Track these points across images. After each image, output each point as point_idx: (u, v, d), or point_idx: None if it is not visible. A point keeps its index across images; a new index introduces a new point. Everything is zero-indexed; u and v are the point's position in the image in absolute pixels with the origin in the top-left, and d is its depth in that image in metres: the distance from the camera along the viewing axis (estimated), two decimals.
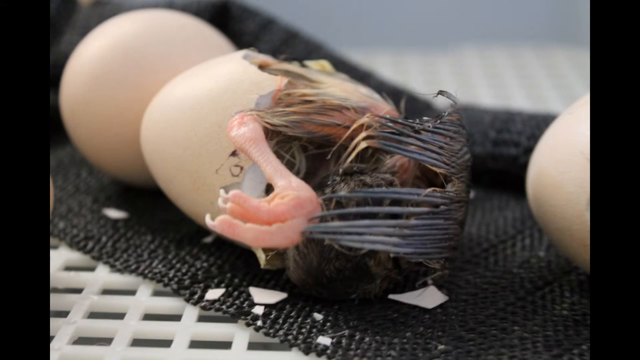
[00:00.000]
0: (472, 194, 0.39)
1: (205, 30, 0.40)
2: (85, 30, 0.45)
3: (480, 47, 0.64)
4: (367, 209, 0.29)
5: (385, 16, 0.80)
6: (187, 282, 0.33)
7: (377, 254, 0.30)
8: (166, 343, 0.30)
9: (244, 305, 0.32)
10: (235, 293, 0.32)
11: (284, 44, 0.46)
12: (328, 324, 0.31)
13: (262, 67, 0.34)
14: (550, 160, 0.32)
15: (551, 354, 0.29)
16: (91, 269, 0.35)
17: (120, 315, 0.32)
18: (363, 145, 0.30)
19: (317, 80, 0.34)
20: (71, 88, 0.39)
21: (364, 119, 0.31)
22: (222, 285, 0.33)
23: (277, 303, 0.32)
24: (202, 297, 0.32)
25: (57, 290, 0.34)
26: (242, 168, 0.32)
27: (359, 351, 0.29)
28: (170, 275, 0.34)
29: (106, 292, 0.33)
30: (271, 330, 0.30)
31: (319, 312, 0.31)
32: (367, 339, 0.30)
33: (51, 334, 0.30)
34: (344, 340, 0.30)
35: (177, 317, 0.32)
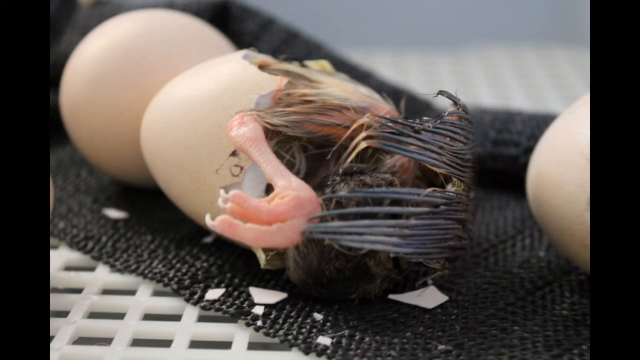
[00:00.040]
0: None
1: (205, 30, 0.40)
2: (85, 30, 0.45)
3: (480, 47, 0.64)
4: (367, 209, 0.29)
5: (385, 16, 0.80)
6: (187, 282, 0.33)
7: (377, 254, 0.30)
8: (166, 343, 0.30)
9: (244, 305, 0.32)
10: (235, 293, 0.32)
11: (284, 44, 0.46)
12: (328, 324, 0.31)
13: (262, 67, 0.34)
14: (550, 160, 0.32)
15: (551, 354, 0.29)
16: (91, 269, 0.35)
17: (120, 315, 0.32)
18: (363, 145, 0.30)
19: (317, 80, 0.34)
20: (71, 88, 0.39)
21: (364, 119, 0.31)
22: (222, 285, 0.33)
23: (277, 303, 0.32)
24: (202, 297, 0.32)
25: (57, 290, 0.34)
26: (242, 168, 0.32)
27: (359, 351, 0.29)
28: (170, 275, 0.34)
29: (106, 292, 0.33)
30: (271, 330, 0.30)
31: (319, 312, 0.31)
32: (367, 339, 0.30)
33: (51, 334, 0.30)
34: (344, 340, 0.30)
35: (177, 317, 0.32)
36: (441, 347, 0.29)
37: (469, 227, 0.30)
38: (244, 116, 0.31)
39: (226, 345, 0.30)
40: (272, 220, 0.29)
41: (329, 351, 0.29)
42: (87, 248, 0.36)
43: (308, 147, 0.33)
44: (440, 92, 0.31)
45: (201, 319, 0.32)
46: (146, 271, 0.34)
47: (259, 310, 0.31)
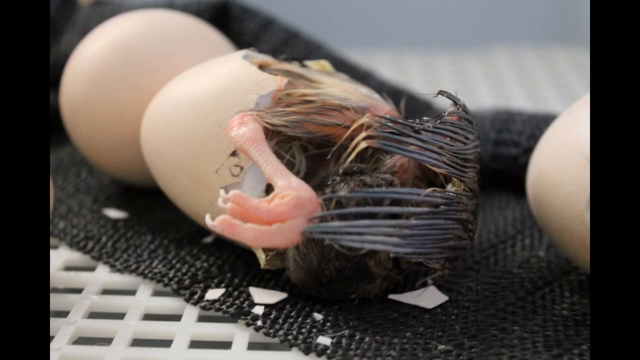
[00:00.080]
0: None
1: (205, 30, 0.40)
2: (85, 30, 0.45)
3: (480, 47, 0.64)
4: (367, 209, 0.29)
5: (385, 16, 0.81)
6: (187, 282, 0.33)
7: (377, 254, 0.30)
8: (166, 343, 0.30)
9: (244, 305, 0.32)
10: (235, 293, 0.32)
11: (284, 44, 0.46)
12: (328, 324, 0.31)
13: (262, 67, 0.34)
14: (550, 160, 0.32)
15: (551, 354, 0.29)
16: (91, 269, 0.35)
17: (120, 315, 0.32)
18: (363, 145, 0.30)
19: (317, 80, 0.34)
20: (71, 88, 0.39)
21: (364, 119, 0.31)
22: (222, 285, 0.33)
23: (277, 303, 0.32)
24: (202, 297, 0.32)
25: (57, 290, 0.34)
26: (242, 168, 0.32)
27: (359, 351, 0.29)
28: (170, 275, 0.34)
29: (106, 292, 0.33)
30: (271, 330, 0.30)
31: (319, 312, 0.31)
32: (367, 339, 0.30)
33: (51, 334, 0.30)
34: (344, 340, 0.30)
35: (177, 317, 0.32)
36: (441, 347, 0.29)
37: (469, 227, 0.30)
38: (244, 116, 0.31)
39: (226, 345, 0.30)
40: (272, 220, 0.29)
41: (329, 351, 0.29)
42: (87, 248, 0.36)
43: (308, 147, 0.33)
44: (440, 92, 0.31)
45: (201, 319, 0.32)
46: (146, 271, 0.34)
47: (259, 310, 0.31)
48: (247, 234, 0.29)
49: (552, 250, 0.36)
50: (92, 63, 0.38)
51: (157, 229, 0.37)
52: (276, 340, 0.30)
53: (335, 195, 0.30)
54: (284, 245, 0.30)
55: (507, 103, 0.54)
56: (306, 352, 0.29)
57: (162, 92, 0.35)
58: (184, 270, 0.34)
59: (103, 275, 0.34)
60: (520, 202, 0.40)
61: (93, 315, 0.32)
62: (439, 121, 0.30)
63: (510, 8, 0.80)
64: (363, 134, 0.30)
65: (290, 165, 0.33)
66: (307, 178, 0.33)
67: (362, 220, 0.29)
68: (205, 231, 0.36)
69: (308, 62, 0.35)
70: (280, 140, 0.32)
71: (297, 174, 0.33)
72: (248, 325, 0.31)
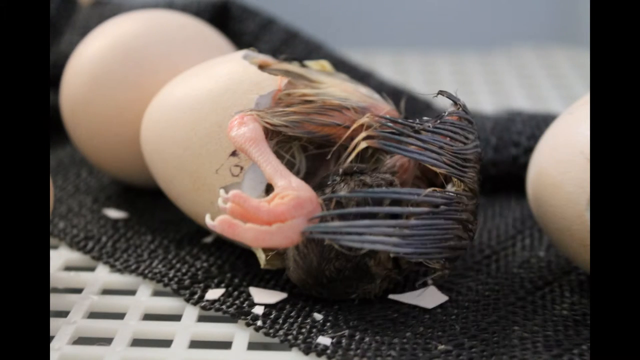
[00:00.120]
0: None
1: (205, 30, 0.40)
2: (85, 30, 0.45)
3: (480, 47, 0.64)
4: (367, 209, 0.29)
5: (385, 16, 0.80)
6: (187, 282, 0.33)
7: (377, 254, 0.30)
8: (166, 343, 0.30)
9: (244, 305, 0.32)
10: (235, 293, 0.32)
11: (284, 44, 0.46)
12: (328, 324, 0.31)
13: (262, 67, 0.34)
14: (550, 160, 0.32)
15: (551, 354, 0.29)
16: (91, 269, 0.35)
17: (120, 315, 0.32)
18: (363, 145, 0.30)
19: (317, 80, 0.34)
20: (71, 88, 0.39)
21: (364, 119, 0.31)
22: (222, 285, 0.33)
23: (277, 303, 0.32)
24: (202, 297, 0.32)
25: (57, 290, 0.34)
26: (242, 168, 0.32)
27: (359, 351, 0.29)
28: (170, 275, 0.34)
29: (106, 292, 0.33)
30: (271, 330, 0.30)
31: (319, 312, 0.31)
32: (367, 339, 0.30)
33: (51, 334, 0.30)
34: (344, 340, 0.30)
35: (177, 317, 0.32)
36: (441, 347, 0.29)
37: (469, 227, 0.30)
38: (244, 116, 0.31)
39: (226, 345, 0.30)
40: (272, 220, 0.29)
41: (329, 351, 0.29)
42: (87, 248, 0.36)
43: (308, 147, 0.33)
44: (440, 92, 0.31)
45: (201, 319, 0.32)
46: (146, 271, 0.34)
47: (259, 310, 0.31)
48: (247, 234, 0.29)
49: (552, 250, 0.36)
50: (92, 63, 0.38)
51: (157, 229, 0.37)
52: (276, 340, 0.30)
53: (335, 195, 0.30)
54: (284, 245, 0.30)
55: (507, 103, 0.54)
56: (306, 352, 0.29)
57: (162, 92, 0.35)
58: (184, 270, 0.34)
59: (103, 275, 0.34)
60: (521, 203, 0.40)
61: (93, 315, 0.32)
62: (439, 121, 0.30)
63: (510, 8, 0.80)
64: (363, 134, 0.30)
65: (290, 165, 0.33)
66: (307, 178, 0.33)
67: (362, 220, 0.29)
68: (205, 231, 0.36)
69: (308, 62, 0.35)
70: (280, 140, 0.32)
71: (297, 174, 0.33)
72: (248, 325, 0.31)
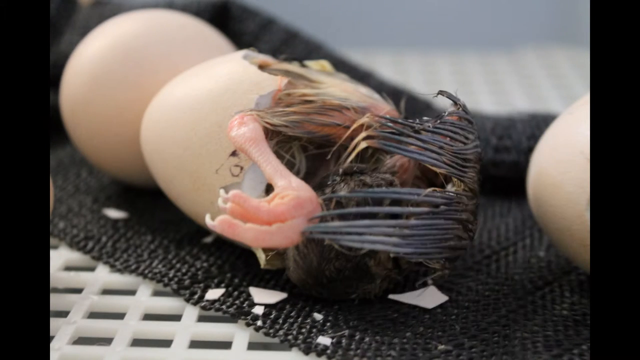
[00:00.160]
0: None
1: (205, 30, 0.40)
2: (85, 30, 0.45)
3: (480, 47, 0.64)
4: (367, 209, 0.29)
5: (385, 16, 0.81)
6: (187, 282, 0.33)
7: (377, 254, 0.30)
8: (166, 343, 0.30)
9: (244, 305, 0.32)
10: (235, 293, 0.32)
11: (284, 44, 0.46)
12: (328, 324, 0.31)
13: (262, 67, 0.34)
14: (550, 160, 0.32)
15: (551, 354, 0.29)
16: (91, 269, 0.35)
17: (120, 315, 0.32)
18: (363, 145, 0.30)
19: (317, 80, 0.34)
20: (71, 88, 0.39)
21: (364, 119, 0.31)
22: (222, 285, 0.33)
23: (277, 303, 0.32)
24: (202, 297, 0.32)
25: (57, 290, 0.34)
26: (242, 168, 0.32)
27: (359, 351, 0.29)
28: (170, 275, 0.34)
29: (106, 292, 0.33)
30: (271, 330, 0.30)
31: (319, 312, 0.31)
32: (367, 339, 0.30)
33: (51, 334, 0.30)
34: (344, 340, 0.30)
35: (177, 317, 0.32)
36: (441, 347, 0.29)
37: (469, 227, 0.30)
38: (244, 116, 0.31)
39: (226, 345, 0.30)
40: (272, 220, 0.29)
41: (329, 351, 0.29)
42: (87, 248, 0.36)
43: (308, 147, 0.33)
44: (440, 92, 0.31)
45: (201, 319, 0.32)
46: (146, 271, 0.34)
47: (259, 310, 0.31)
48: (247, 234, 0.29)
49: (552, 250, 0.36)
50: (92, 63, 0.38)
51: (157, 229, 0.37)
52: (276, 340, 0.30)
53: (335, 195, 0.30)
54: (284, 245, 0.30)
55: (507, 103, 0.54)
56: (306, 352, 0.29)
57: (162, 92, 0.35)
58: (184, 270, 0.34)
59: (103, 275, 0.34)
60: (522, 206, 0.40)
61: (93, 315, 0.32)
62: (439, 121, 0.30)
63: (510, 8, 0.80)
64: (363, 134, 0.30)
65: (290, 165, 0.33)
66: (307, 178, 0.33)
67: (362, 220, 0.29)
68: (205, 231, 0.36)
69: (308, 62, 0.35)
70: (280, 140, 0.32)
71: (297, 174, 0.33)
72: (248, 325, 0.31)
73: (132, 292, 0.33)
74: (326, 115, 0.32)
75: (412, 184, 0.33)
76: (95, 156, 0.39)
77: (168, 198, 0.35)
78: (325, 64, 0.36)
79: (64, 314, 0.32)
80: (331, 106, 0.32)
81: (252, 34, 0.46)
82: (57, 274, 0.34)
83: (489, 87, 0.57)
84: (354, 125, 0.31)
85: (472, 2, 0.80)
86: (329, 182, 0.31)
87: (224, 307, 0.32)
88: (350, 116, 0.32)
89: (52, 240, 0.36)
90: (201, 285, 0.33)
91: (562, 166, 0.32)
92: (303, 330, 0.30)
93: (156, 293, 0.33)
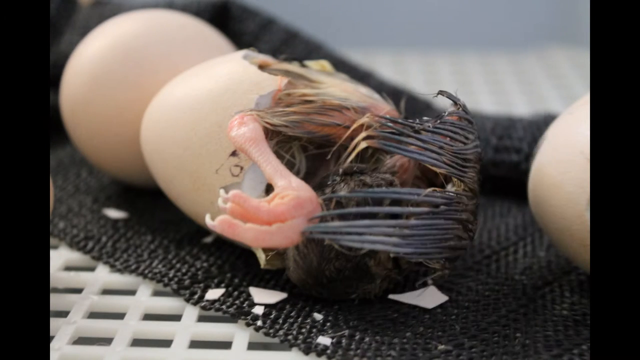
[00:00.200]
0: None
1: (205, 30, 0.40)
2: (85, 30, 0.45)
3: (480, 47, 0.64)
4: (367, 209, 0.29)
5: (385, 16, 0.80)
6: (187, 282, 0.33)
7: (377, 254, 0.30)
8: (166, 343, 0.30)
9: (244, 305, 0.32)
10: (235, 293, 0.32)
11: (284, 44, 0.46)
12: (328, 324, 0.31)
13: (262, 67, 0.34)
14: (550, 160, 0.32)
15: (551, 354, 0.29)
16: (91, 269, 0.35)
17: (120, 315, 0.32)
18: (363, 145, 0.30)
19: (317, 80, 0.34)
20: (71, 88, 0.39)
21: (364, 119, 0.31)
22: (222, 285, 0.33)
23: (277, 303, 0.32)
24: (202, 297, 0.32)
25: (57, 290, 0.34)
26: (242, 168, 0.32)
27: (359, 351, 0.29)
28: (170, 275, 0.34)
29: (106, 292, 0.33)
30: (271, 330, 0.30)
31: (319, 312, 0.31)
32: (367, 339, 0.30)
33: (51, 334, 0.30)
34: (344, 340, 0.30)
35: (177, 317, 0.32)
36: (441, 347, 0.29)
37: (469, 227, 0.30)
38: (244, 116, 0.31)
39: (226, 345, 0.30)
40: (272, 220, 0.29)
41: (329, 351, 0.29)
42: (87, 248, 0.36)
43: (308, 147, 0.33)
44: (440, 92, 0.31)
45: (201, 319, 0.32)
46: (146, 271, 0.34)
47: (259, 310, 0.31)
48: (247, 234, 0.29)
49: (552, 250, 0.36)
50: (92, 63, 0.38)
51: (157, 229, 0.37)
52: (276, 340, 0.30)
53: (335, 195, 0.30)
54: (284, 245, 0.30)
55: (507, 103, 0.54)
56: (306, 352, 0.29)
57: (162, 92, 0.35)
58: (184, 270, 0.34)
59: (103, 275, 0.34)
60: (522, 209, 0.39)
61: (93, 315, 0.32)
62: (439, 121, 0.30)
63: (510, 8, 0.80)
64: (363, 134, 0.30)
65: (290, 165, 0.33)
66: (307, 178, 0.33)
67: (362, 220, 0.29)
68: (205, 231, 0.36)
69: (308, 62, 0.35)
70: (280, 140, 0.32)
71: (297, 174, 0.33)
72: (248, 325, 0.31)
73: (132, 292, 0.33)
74: (326, 115, 0.32)
75: (412, 184, 0.33)
76: (95, 156, 0.39)
77: (168, 198, 0.35)
78: (325, 64, 0.36)
79: (64, 314, 0.32)
80: (331, 106, 0.32)
81: (252, 34, 0.46)
82: (57, 274, 0.34)
83: (489, 87, 0.57)
84: (354, 125, 0.31)
85: (472, 2, 0.80)
86: (329, 182, 0.31)
87: (224, 307, 0.32)
88: (350, 116, 0.32)
89: (52, 240, 0.36)
90: (201, 285, 0.33)
91: (562, 166, 0.32)
92: (303, 330, 0.30)
93: (156, 293, 0.33)
